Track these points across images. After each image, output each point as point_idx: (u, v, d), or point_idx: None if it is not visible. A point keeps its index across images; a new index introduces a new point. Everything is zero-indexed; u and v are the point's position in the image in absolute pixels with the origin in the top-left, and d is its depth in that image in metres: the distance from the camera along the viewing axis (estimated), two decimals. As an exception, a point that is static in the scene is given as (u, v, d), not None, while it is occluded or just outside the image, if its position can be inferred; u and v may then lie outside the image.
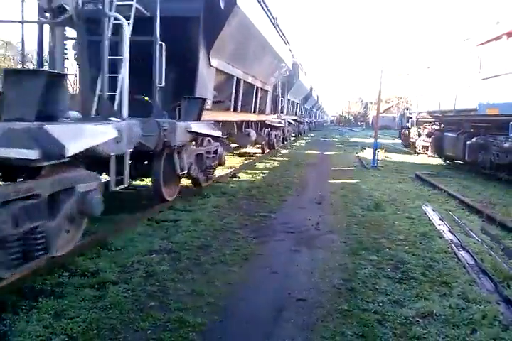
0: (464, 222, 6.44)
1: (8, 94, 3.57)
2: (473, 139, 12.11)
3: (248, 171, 11.51)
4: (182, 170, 6.94)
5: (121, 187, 5.04)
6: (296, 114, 27.80)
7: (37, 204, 3.48)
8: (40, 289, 3.60)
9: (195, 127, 7.05)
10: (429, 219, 6.61)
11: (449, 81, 14.69)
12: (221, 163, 9.29)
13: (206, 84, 8.23)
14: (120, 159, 4.86)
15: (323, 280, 4.10)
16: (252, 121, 14.19)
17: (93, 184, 4.30)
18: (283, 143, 22.09)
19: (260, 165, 13.14)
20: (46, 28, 5.37)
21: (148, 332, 3.04)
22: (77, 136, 3.80)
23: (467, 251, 5.02)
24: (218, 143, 9.07)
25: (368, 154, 17.13)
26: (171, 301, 3.51)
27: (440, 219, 6.57)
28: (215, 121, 8.55)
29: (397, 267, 4.48)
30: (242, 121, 13.07)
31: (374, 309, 3.49)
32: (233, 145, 13.54)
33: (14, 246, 3.25)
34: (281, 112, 20.39)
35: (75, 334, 2.95)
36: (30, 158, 3.22)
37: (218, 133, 8.40)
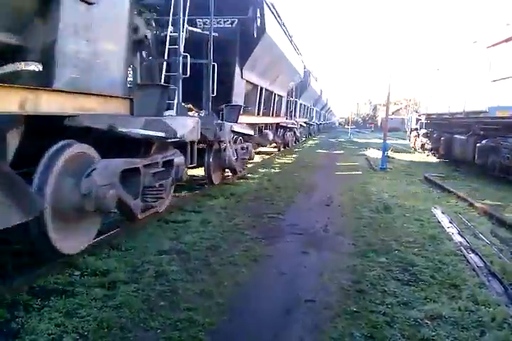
0: (473, 225, 6.41)
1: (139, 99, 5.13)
2: (483, 141, 12.04)
3: (260, 170, 11.56)
4: (226, 160, 9.00)
5: (193, 165, 7.04)
6: (307, 117, 30.14)
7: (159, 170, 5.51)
8: (51, 288, 3.65)
9: (236, 127, 9.36)
10: (439, 222, 6.59)
11: (458, 83, 14.62)
12: (251, 158, 11.40)
13: (240, 93, 10.30)
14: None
15: (332, 281, 4.11)
16: (269, 124, 16.25)
17: (182, 160, 6.12)
18: (295, 143, 24.05)
19: (277, 161, 15.45)
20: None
21: (158, 331, 3.07)
22: (180, 126, 5.85)
23: (476, 254, 5.00)
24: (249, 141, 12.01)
25: (376, 155, 17.11)
26: (180, 301, 3.54)
27: (449, 222, 6.55)
28: (246, 123, 10.74)
29: (406, 269, 4.47)
30: (263, 124, 14.93)
31: (383, 311, 3.50)
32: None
33: (153, 192, 5.26)
34: (294, 115, 22.62)
35: (86, 333, 2.99)
36: (161, 135, 5.24)
37: (252, 133, 11.06)
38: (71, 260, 4.17)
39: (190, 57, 6.86)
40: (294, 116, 22.38)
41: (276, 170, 12.61)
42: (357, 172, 12.69)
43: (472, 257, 4.90)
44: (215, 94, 8.09)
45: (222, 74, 8.49)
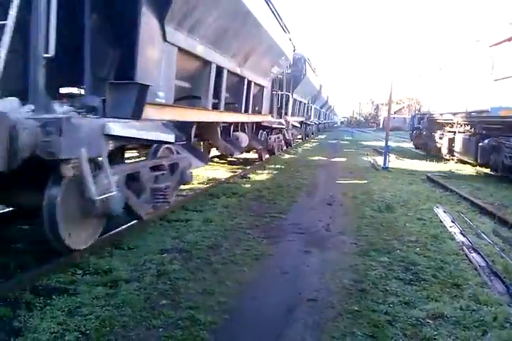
0: (475, 224, 6.40)
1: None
2: (486, 141, 12.03)
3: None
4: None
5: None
6: (303, 115, 25.04)
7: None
8: (53, 287, 3.65)
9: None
10: (441, 221, 6.59)
11: (460, 82, 14.60)
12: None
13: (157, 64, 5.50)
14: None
15: (334, 280, 4.11)
16: (243, 123, 11.44)
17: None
18: (286, 147, 19.17)
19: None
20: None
21: (160, 329, 3.08)
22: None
23: (478, 253, 5.00)
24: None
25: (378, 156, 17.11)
26: (182, 300, 3.54)
27: (451, 221, 6.54)
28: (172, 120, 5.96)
29: (407, 268, 4.47)
30: (227, 123, 10.04)
31: (384, 310, 3.49)
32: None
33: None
34: (286, 113, 17.65)
35: (88, 331, 2.99)
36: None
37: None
38: (73, 259, 4.18)
39: None
40: (286, 114, 17.60)
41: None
42: (359, 172, 12.67)
43: (474, 256, 4.90)
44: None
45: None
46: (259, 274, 4.26)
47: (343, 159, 16.71)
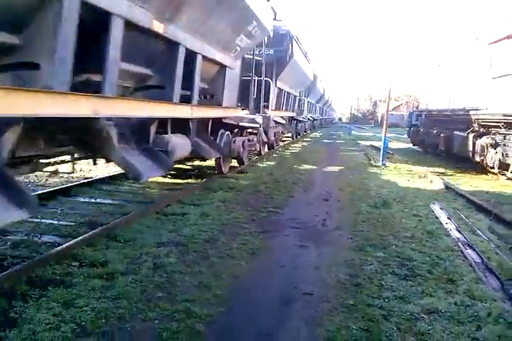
0: (471, 221, 6.43)
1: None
2: (483, 138, 12.05)
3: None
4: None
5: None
6: (292, 110, 20.72)
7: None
8: (49, 279, 3.65)
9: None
10: (437, 218, 6.61)
11: (459, 79, 14.60)
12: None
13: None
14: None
15: (330, 275, 4.12)
16: (182, 120, 7.01)
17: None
18: (269, 149, 15.70)
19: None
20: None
21: (156, 321, 3.09)
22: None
23: (474, 250, 5.02)
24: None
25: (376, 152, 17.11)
26: (178, 292, 3.55)
27: (447, 218, 6.56)
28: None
29: (403, 264, 4.49)
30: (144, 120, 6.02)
31: (379, 304, 3.51)
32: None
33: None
34: (266, 107, 14.05)
35: (83, 323, 3.00)
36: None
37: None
38: (70, 250, 4.19)
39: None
40: (266, 107, 13.94)
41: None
42: (356, 168, 12.68)
43: (469, 253, 4.92)
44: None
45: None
46: (256, 268, 4.28)
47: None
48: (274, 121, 15.15)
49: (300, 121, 25.37)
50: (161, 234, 5.08)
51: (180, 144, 6.70)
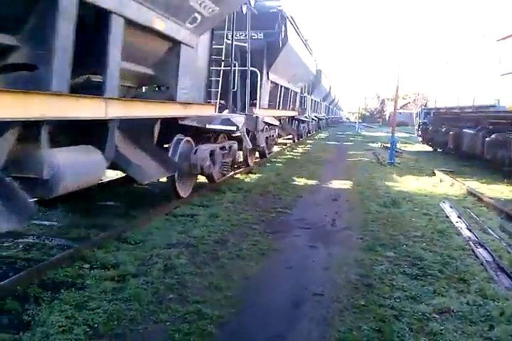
0: (482, 220, 6.38)
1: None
2: (493, 136, 11.94)
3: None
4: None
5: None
6: (293, 109, 18.86)
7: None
8: (61, 281, 3.68)
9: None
10: (447, 216, 6.57)
11: (467, 77, 14.50)
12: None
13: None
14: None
15: (340, 275, 4.11)
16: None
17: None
18: (261, 158, 13.85)
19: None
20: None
21: (167, 323, 3.10)
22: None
23: (485, 249, 4.99)
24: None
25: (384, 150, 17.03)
26: (189, 294, 3.56)
27: (458, 216, 6.52)
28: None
29: (414, 264, 4.47)
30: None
31: (391, 304, 3.50)
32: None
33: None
34: (253, 105, 11.83)
35: (96, 325, 3.02)
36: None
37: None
38: (81, 252, 4.22)
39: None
40: (254, 105, 11.36)
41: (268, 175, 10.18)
42: (365, 167, 12.64)
43: (481, 252, 4.89)
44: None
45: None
46: (266, 269, 4.28)
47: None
48: (265, 122, 11.54)
49: (302, 122, 22.18)
50: (171, 235, 5.09)
51: (75, 164, 4.08)
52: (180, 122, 6.47)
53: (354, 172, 11.53)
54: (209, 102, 8.25)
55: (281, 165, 12.51)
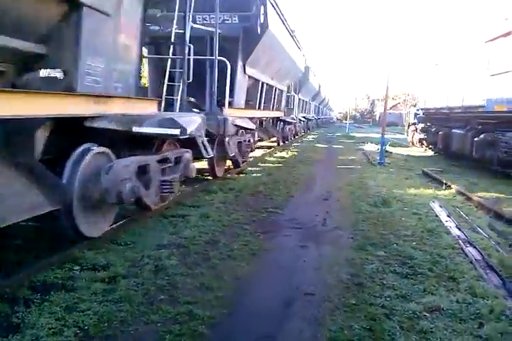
0: (471, 218, 6.44)
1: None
2: (481, 136, 12.06)
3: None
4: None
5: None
6: (278, 108, 16.75)
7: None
8: (51, 283, 3.64)
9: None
10: (436, 216, 6.62)
11: (456, 77, 14.63)
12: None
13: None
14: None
15: (331, 275, 4.13)
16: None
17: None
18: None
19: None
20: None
21: (159, 324, 3.08)
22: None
23: (474, 247, 5.03)
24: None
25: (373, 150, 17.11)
26: (180, 295, 3.55)
27: (447, 216, 6.57)
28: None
29: (404, 262, 4.50)
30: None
31: (381, 303, 3.52)
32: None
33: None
34: (222, 104, 11.12)
35: (86, 327, 2.99)
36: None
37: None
38: (71, 254, 4.19)
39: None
40: (223, 105, 8.71)
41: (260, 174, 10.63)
42: (355, 167, 12.69)
43: (470, 250, 4.93)
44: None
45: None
46: (257, 269, 4.28)
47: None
48: (237, 125, 9.23)
49: (288, 123, 19.91)
50: (162, 236, 5.07)
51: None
52: (88, 124, 4.42)
53: (344, 172, 11.56)
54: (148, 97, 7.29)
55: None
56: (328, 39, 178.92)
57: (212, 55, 8.23)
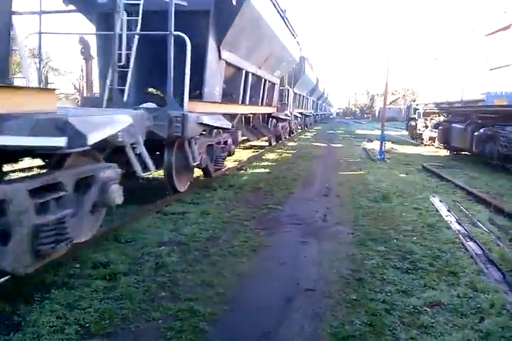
0: (471, 213, 6.44)
1: None
2: (481, 130, 12.05)
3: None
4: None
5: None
6: (270, 104, 14.71)
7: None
8: (52, 281, 3.65)
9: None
10: (437, 210, 6.62)
11: (456, 72, 14.58)
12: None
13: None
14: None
15: (332, 270, 4.13)
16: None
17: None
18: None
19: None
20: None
21: (160, 321, 3.09)
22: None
23: (475, 242, 5.03)
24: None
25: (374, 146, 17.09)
26: (181, 292, 3.55)
27: (448, 210, 6.57)
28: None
29: (404, 257, 4.50)
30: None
31: (382, 298, 3.52)
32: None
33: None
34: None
35: (87, 324, 3.00)
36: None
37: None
38: (71, 252, 4.18)
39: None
40: (182, 101, 6.32)
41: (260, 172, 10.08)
42: (355, 163, 12.68)
43: (470, 245, 4.93)
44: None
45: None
46: (258, 265, 4.28)
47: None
48: (203, 124, 6.83)
49: (282, 120, 17.58)
50: (162, 233, 5.07)
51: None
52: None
53: (344, 167, 11.55)
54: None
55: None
56: (326, 34, 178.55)
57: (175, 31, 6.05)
